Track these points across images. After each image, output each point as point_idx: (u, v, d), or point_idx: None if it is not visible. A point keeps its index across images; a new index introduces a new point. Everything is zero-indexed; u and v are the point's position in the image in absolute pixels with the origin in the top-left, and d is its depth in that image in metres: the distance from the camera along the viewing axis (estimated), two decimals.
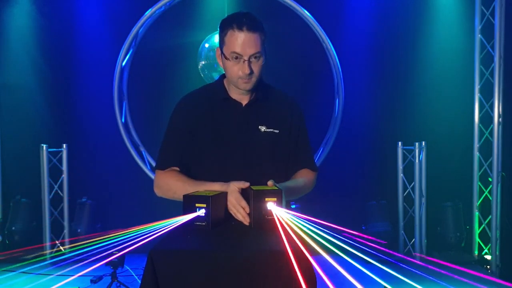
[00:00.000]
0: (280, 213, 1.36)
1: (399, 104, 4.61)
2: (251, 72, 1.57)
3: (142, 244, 1.36)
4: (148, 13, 4.35)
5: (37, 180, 4.28)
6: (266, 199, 1.39)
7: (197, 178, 1.68)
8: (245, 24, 1.54)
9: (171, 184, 1.63)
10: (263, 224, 1.40)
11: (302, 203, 4.07)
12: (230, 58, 1.57)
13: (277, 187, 1.43)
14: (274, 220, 1.37)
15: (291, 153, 1.72)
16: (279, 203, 1.38)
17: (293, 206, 3.79)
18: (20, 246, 4.29)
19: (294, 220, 1.32)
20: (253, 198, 1.40)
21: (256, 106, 1.68)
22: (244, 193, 1.47)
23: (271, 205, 1.38)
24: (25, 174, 4.65)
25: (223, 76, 1.75)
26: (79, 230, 4.46)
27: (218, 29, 1.64)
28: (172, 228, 1.41)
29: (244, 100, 1.71)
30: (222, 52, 1.62)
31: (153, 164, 4.52)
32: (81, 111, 4.76)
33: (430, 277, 3.84)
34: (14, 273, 3.71)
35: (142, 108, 4.72)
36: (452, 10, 4.59)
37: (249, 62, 1.56)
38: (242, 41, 1.54)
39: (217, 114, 1.69)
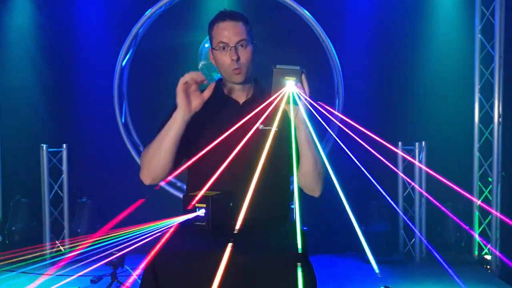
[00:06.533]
0: (296, 91, 1.44)
1: (399, 104, 4.60)
2: (238, 59, 1.63)
3: (142, 244, 1.36)
4: (148, 13, 4.35)
5: (37, 180, 4.28)
6: (286, 77, 1.43)
7: (195, 177, 1.69)
8: (228, 15, 1.65)
9: (148, 147, 1.63)
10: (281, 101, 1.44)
11: (302, 203, 4.06)
12: (218, 48, 1.65)
13: (299, 67, 1.47)
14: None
15: (296, 149, 1.72)
16: (298, 82, 1.44)
17: (293, 206, 3.78)
18: (20, 246, 4.29)
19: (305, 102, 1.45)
20: (273, 76, 1.44)
21: (253, 104, 1.68)
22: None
23: (291, 84, 1.43)
24: (25, 174, 4.64)
25: (220, 80, 1.80)
26: (79, 230, 4.46)
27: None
28: (172, 228, 1.41)
29: (241, 99, 1.74)
30: (212, 49, 1.69)
31: None
32: (81, 111, 4.75)
33: (430, 277, 3.85)
34: (14, 273, 3.70)
35: (142, 108, 4.72)
36: (452, 10, 4.59)
37: (236, 49, 1.63)
38: (227, 30, 1.63)
39: (214, 113, 1.70)
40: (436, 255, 4.25)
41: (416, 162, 4.25)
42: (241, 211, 1.29)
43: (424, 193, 4.29)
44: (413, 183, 4.33)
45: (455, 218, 4.35)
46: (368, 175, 1.46)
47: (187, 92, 1.56)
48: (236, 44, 1.63)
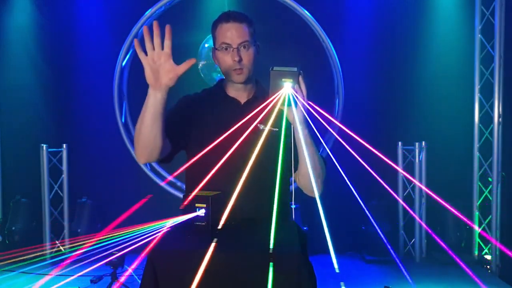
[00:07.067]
0: (293, 93, 1.43)
1: (399, 104, 4.60)
2: (241, 60, 1.64)
3: (142, 244, 1.36)
4: (148, 13, 4.35)
5: (37, 180, 4.28)
6: (283, 79, 1.43)
7: (194, 176, 1.69)
8: (232, 16, 1.67)
9: (135, 127, 1.64)
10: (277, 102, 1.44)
11: (302, 203, 4.06)
12: (221, 49, 1.67)
13: (296, 69, 1.47)
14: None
15: (295, 150, 1.72)
16: (295, 83, 1.44)
17: (293, 206, 3.78)
18: (20, 246, 4.29)
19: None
20: (271, 78, 1.44)
21: (255, 104, 1.69)
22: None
23: (288, 86, 1.43)
24: (25, 174, 4.64)
25: (221, 80, 1.82)
26: (79, 230, 4.46)
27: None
28: (172, 228, 1.41)
29: (243, 99, 1.74)
30: (215, 49, 1.71)
31: (153, 164, 4.52)
32: (81, 111, 4.75)
33: (430, 277, 3.85)
34: (14, 273, 3.71)
35: (142, 108, 4.71)
36: (452, 10, 4.59)
37: (238, 50, 1.64)
38: (230, 31, 1.65)
39: (215, 112, 1.71)
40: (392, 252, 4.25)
41: (416, 174, 4.25)
42: (230, 207, 1.30)
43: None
44: (411, 186, 4.34)
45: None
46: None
47: (153, 68, 1.54)
48: (239, 45, 1.64)
